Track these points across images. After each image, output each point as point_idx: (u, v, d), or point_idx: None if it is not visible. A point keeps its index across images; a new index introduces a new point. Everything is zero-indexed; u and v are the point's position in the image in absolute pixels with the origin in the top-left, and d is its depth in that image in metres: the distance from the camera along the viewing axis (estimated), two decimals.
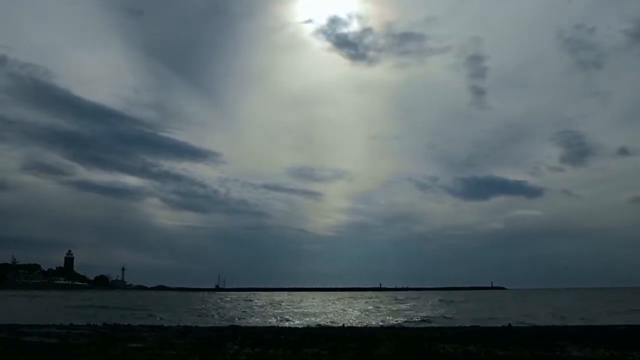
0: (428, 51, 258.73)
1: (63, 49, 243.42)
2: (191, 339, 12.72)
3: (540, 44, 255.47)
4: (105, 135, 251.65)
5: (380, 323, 24.72)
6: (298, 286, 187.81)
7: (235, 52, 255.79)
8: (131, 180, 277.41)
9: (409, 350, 10.27)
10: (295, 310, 39.25)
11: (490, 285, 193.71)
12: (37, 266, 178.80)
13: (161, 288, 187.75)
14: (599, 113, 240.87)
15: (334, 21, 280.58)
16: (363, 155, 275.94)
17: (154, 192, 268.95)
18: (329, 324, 23.90)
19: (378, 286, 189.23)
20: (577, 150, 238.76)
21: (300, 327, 20.79)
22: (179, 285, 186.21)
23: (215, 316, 31.64)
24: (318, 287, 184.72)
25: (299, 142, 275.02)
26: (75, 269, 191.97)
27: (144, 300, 64.93)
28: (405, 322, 25.33)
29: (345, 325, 21.66)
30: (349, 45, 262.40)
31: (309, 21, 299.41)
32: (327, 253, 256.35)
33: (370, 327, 20.97)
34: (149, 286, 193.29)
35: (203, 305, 49.41)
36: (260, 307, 46.74)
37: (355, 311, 38.46)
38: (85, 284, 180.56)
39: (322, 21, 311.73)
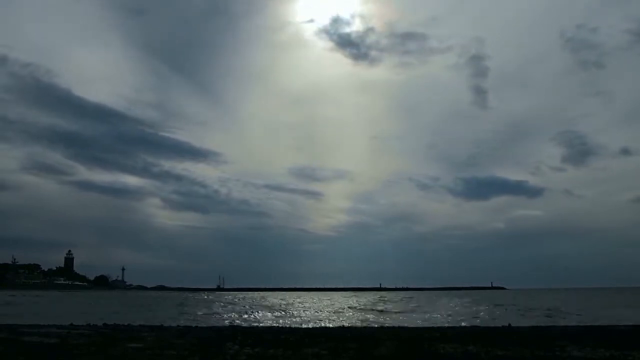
0: (430, 51, 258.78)
1: (64, 48, 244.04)
2: (191, 339, 12.72)
3: (542, 43, 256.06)
4: (107, 135, 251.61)
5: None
6: (298, 286, 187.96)
7: (236, 51, 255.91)
8: (132, 180, 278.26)
9: (409, 350, 10.27)
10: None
11: (490, 285, 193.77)
12: (37, 266, 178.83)
13: (161, 288, 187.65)
14: (601, 113, 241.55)
15: (336, 21, 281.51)
16: (364, 155, 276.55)
17: (155, 192, 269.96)
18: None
19: (378, 286, 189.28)
20: (579, 150, 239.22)
21: (300, 327, 20.79)
22: (179, 285, 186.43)
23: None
24: (318, 287, 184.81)
25: (301, 142, 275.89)
26: (75, 269, 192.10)
27: (144, 300, 65.01)
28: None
29: (345, 325, 21.69)
30: (351, 45, 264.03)
31: (311, 21, 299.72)
32: (328, 253, 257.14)
33: (370, 327, 20.98)
34: (149, 286, 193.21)
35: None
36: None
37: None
38: (85, 284, 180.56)
39: (324, 21, 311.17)
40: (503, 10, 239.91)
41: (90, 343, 11.44)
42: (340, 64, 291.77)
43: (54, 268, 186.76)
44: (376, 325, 22.19)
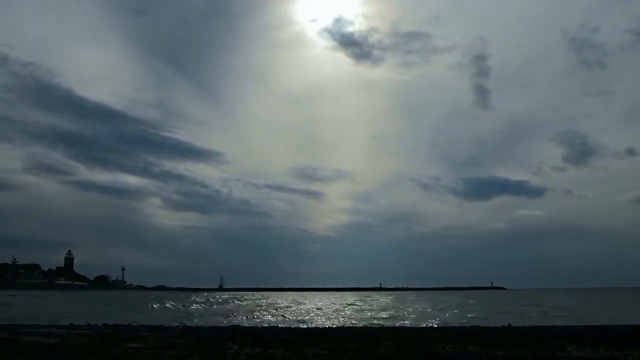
0: (433, 50, 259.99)
1: (65, 48, 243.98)
2: (191, 339, 12.72)
3: (544, 43, 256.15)
4: (107, 135, 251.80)
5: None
6: (298, 286, 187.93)
7: (237, 51, 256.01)
8: (132, 180, 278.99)
9: (409, 350, 10.28)
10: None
11: (490, 285, 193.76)
12: (37, 266, 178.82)
13: (161, 288, 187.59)
14: (602, 113, 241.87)
15: (338, 20, 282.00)
16: (365, 155, 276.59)
17: (156, 192, 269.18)
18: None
19: (378, 286, 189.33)
20: (580, 150, 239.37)
21: (300, 327, 20.80)
22: (179, 285, 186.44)
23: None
24: (318, 287, 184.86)
25: (302, 142, 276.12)
26: (75, 269, 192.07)
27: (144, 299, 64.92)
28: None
29: (345, 326, 21.69)
30: (354, 44, 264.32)
31: (314, 20, 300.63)
32: (328, 253, 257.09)
33: (370, 327, 20.98)
34: (149, 286, 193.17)
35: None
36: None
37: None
38: (85, 284, 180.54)
39: (327, 20, 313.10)
40: (505, 10, 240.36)
41: (90, 343, 11.44)
42: (342, 63, 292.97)
43: (54, 268, 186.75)
44: (376, 325, 22.21)
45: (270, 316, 31.49)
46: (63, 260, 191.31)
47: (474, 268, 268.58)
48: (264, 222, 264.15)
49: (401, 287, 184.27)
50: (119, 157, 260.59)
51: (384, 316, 31.06)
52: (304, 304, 50.73)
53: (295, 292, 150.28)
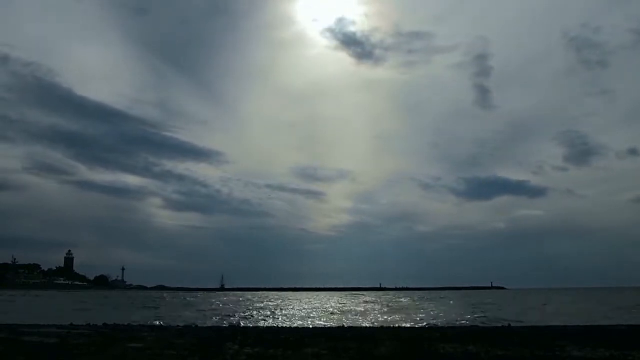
0: (435, 50, 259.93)
1: (65, 47, 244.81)
2: (191, 339, 12.71)
3: (546, 42, 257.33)
4: (108, 135, 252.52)
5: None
6: (298, 286, 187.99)
7: (238, 50, 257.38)
8: (133, 180, 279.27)
9: (409, 350, 10.27)
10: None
11: (490, 285, 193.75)
12: (37, 266, 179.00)
13: (161, 288, 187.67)
14: (604, 112, 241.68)
15: (341, 20, 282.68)
16: (366, 155, 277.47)
17: (156, 192, 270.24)
18: None
19: (378, 286, 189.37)
20: (581, 150, 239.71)
21: (300, 327, 20.80)
22: (179, 286, 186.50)
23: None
24: (318, 287, 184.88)
25: (303, 142, 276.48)
26: (75, 269, 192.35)
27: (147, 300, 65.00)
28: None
29: (345, 326, 21.68)
30: (356, 44, 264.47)
31: (316, 20, 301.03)
32: (329, 253, 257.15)
33: (370, 327, 20.98)
34: (149, 286, 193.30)
35: None
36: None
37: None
38: (85, 284, 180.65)
39: (329, 20, 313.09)
40: (507, 10, 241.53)
41: (90, 343, 11.44)
42: (343, 63, 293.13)
43: (54, 268, 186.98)
44: (376, 325, 22.20)
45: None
46: (63, 260, 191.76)
47: (474, 268, 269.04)
48: (264, 222, 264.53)
49: (401, 287, 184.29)
50: (119, 157, 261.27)
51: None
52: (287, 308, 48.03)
53: (295, 292, 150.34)
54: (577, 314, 29.61)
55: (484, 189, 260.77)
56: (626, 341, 12.01)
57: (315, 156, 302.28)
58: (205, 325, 20.84)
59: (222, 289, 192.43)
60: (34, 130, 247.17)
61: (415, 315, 30.79)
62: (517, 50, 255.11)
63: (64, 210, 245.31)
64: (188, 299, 73.76)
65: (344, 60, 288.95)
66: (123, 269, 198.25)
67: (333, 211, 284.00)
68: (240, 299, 70.62)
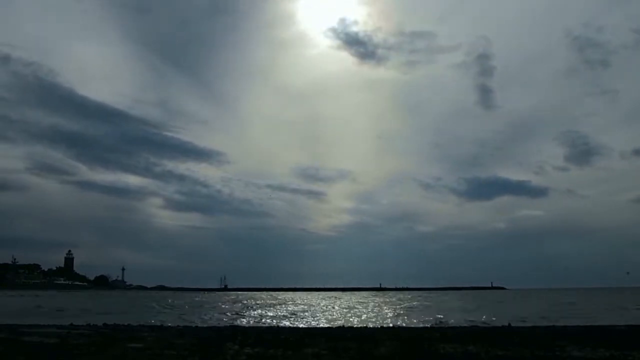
0: (437, 49, 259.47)
1: (66, 47, 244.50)
2: (191, 339, 12.71)
3: (547, 42, 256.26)
4: (109, 135, 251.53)
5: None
6: (299, 286, 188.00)
7: (240, 50, 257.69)
8: (134, 180, 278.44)
9: (409, 350, 10.27)
10: None
11: (490, 285, 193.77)
12: (37, 266, 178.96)
13: (161, 288, 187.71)
14: (605, 112, 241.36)
15: (343, 19, 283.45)
16: (367, 155, 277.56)
17: (157, 192, 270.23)
18: None
19: (378, 286, 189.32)
20: (582, 150, 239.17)
21: (300, 327, 20.80)
22: (179, 286, 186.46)
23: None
24: (318, 287, 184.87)
25: (304, 142, 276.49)
26: (75, 269, 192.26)
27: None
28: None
29: (345, 326, 21.68)
30: (358, 43, 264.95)
31: (318, 19, 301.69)
32: (329, 253, 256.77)
33: (370, 327, 20.98)
34: (149, 286, 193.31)
35: None
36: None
37: None
38: (85, 284, 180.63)
39: (331, 19, 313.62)
40: (509, 9, 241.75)
41: (90, 343, 11.44)
42: (346, 62, 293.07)
43: (54, 268, 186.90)
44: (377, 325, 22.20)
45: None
46: (63, 260, 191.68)
47: (474, 268, 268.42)
48: (265, 222, 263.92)
49: (401, 287, 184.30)
50: (120, 157, 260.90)
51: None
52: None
53: (295, 292, 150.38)
54: (578, 314, 29.61)
55: (485, 189, 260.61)
56: (626, 341, 12.01)
57: (316, 156, 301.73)
58: (205, 326, 20.85)
59: (225, 288, 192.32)
60: (34, 130, 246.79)
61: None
62: (519, 50, 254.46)
63: (65, 210, 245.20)
64: (196, 299, 73.76)
65: (346, 59, 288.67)
66: (123, 269, 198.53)
67: (333, 211, 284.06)
68: (252, 300, 70.31)
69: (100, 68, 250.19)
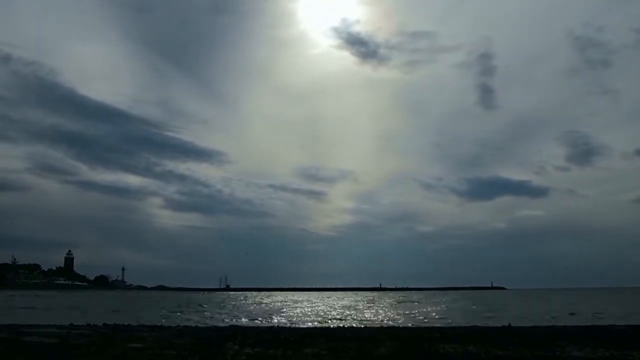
0: (439, 49, 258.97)
1: (67, 47, 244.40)
2: (191, 339, 12.71)
3: (549, 41, 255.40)
4: (110, 135, 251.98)
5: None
6: (299, 286, 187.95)
7: (241, 50, 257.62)
8: (134, 180, 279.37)
9: (409, 350, 10.27)
10: None
11: (490, 285, 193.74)
12: (37, 266, 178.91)
13: (161, 288, 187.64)
14: (606, 112, 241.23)
15: (345, 19, 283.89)
16: (368, 155, 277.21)
17: (157, 192, 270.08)
18: None
19: (378, 286, 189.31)
20: (583, 150, 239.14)
21: (300, 327, 20.80)
22: (179, 286, 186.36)
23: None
24: (318, 287, 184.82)
25: (305, 142, 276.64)
26: (75, 269, 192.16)
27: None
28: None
29: (345, 326, 21.69)
30: (360, 43, 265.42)
31: (320, 19, 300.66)
32: (329, 253, 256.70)
33: (370, 327, 20.97)
34: (149, 286, 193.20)
35: None
36: None
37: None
38: (85, 284, 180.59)
39: (333, 19, 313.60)
40: (510, 9, 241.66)
41: (90, 343, 11.44)
42: (347, 62, 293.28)
43: (54, 268, 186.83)
44: (376, 325, 22.20)
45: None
46: (63, 260, 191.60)
47: (474, 268, 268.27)
48: (265, 222, 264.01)
49: (401, 287, 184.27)
50: (120, 157, 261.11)
51: None
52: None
53: (294, 292, 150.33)
54: (578, 314, 29.59)
55: (486, 189, 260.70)
56: (626, 341, 12.02)
57: (317, 156, 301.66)
58: (205, 325, 20.85)
59: (227, 288, 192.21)
60: (35, 130, 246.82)
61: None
62: (520, 50, 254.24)
63: (65, 210, 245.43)
64: (200, 296, 73.51)
65: (347, 59, 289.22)
66: (123, 269, 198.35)
67: (334, 211, 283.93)
68: (262, 299, 70.09)
69: (100, 68, 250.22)
